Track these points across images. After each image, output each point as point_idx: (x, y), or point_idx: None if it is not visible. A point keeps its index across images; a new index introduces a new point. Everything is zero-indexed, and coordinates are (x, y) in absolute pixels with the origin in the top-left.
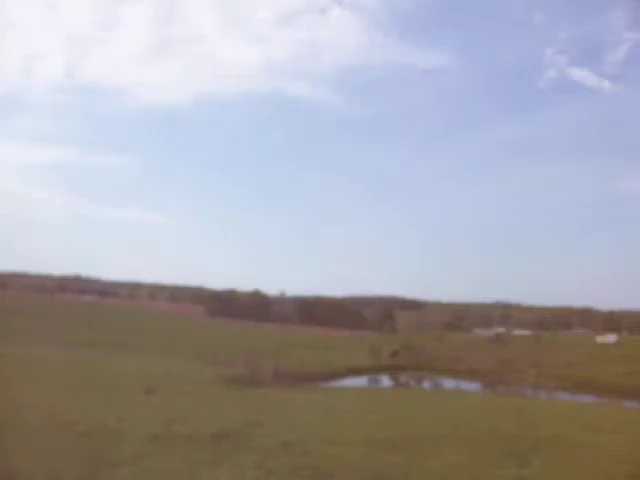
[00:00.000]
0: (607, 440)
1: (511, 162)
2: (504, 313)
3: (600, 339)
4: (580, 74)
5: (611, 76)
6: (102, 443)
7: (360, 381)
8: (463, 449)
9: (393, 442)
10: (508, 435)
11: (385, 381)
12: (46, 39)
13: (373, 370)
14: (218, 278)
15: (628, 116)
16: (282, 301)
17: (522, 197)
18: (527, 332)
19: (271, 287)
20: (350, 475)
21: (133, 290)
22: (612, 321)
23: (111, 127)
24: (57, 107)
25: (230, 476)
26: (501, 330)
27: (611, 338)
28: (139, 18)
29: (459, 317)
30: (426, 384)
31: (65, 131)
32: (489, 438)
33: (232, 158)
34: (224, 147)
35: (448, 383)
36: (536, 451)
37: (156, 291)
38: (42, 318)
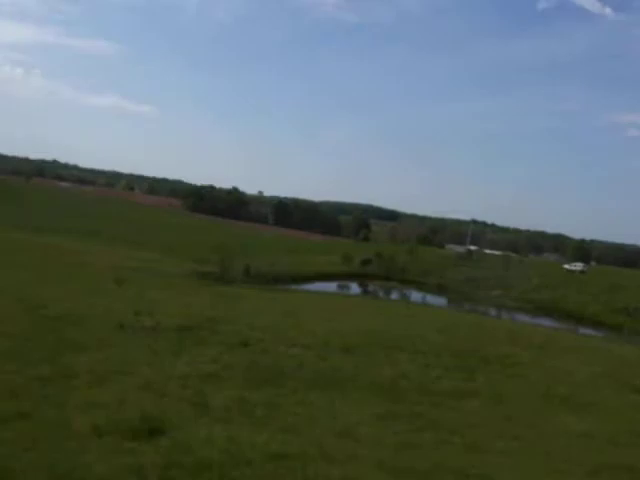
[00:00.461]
0: (552, 361)
1: (505, 83)
2: (478, 231)
3: (567, 266)
4: None
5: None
6: (69, 328)
7: (329, 286)
8: (415, 360)
9: (350, 347)
10: (461, 350)
11: (354, 288)
12: None
13: (343, 276)
14: (198, 174)
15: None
16: (259, 201)
17: (512, 119)
18: (498, 252)
19: (250, 187)
20: (302, 374)
21: (111, 179)
22: (582, 250)
23: (97, 10)
24: None
25: (189, 367)
26: (473, 248)
27: (578, 266)
28: None
29: (433, 231)
30: (394, 295)
31: (49, 10)
32: (442, 351)
33: (221, 53)
34: (213, 41)
35: (416, 296)
36: (484, 367)
37: (134, 182)
38: (16, 202)
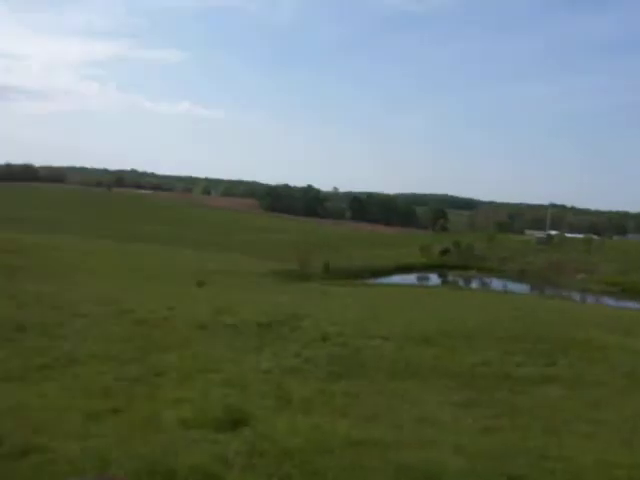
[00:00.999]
0: (638, 344)
1: (565, 64)
2: (557, 215)
3: None
4: None
5: None
6: (155, 330)
7: (409, 278)
8: (495, 347)
9: (428, 338)
10: (542, 336)
11: (433, 279)
12: None
13: (422, 268)
14: (272, 174)
15: None
16: (335, 197)
17: (581, 97)
18: (579, 235)
19: (324, 183)
20: (382, 365)
21: (188, 184)
22: None
23: (163, 20)
24: (107, 0)
25: (270, 362)
26: (553, 232)
27: None
28: None
29: (512, 217)
30: (474, 283)
31: (116, 25)
32: (523, 337)
33: (286, 54)
34: (278, 42)
35: (496, 283)
36: (565, 352)
37: (211, 186)
38: (100, 211)
